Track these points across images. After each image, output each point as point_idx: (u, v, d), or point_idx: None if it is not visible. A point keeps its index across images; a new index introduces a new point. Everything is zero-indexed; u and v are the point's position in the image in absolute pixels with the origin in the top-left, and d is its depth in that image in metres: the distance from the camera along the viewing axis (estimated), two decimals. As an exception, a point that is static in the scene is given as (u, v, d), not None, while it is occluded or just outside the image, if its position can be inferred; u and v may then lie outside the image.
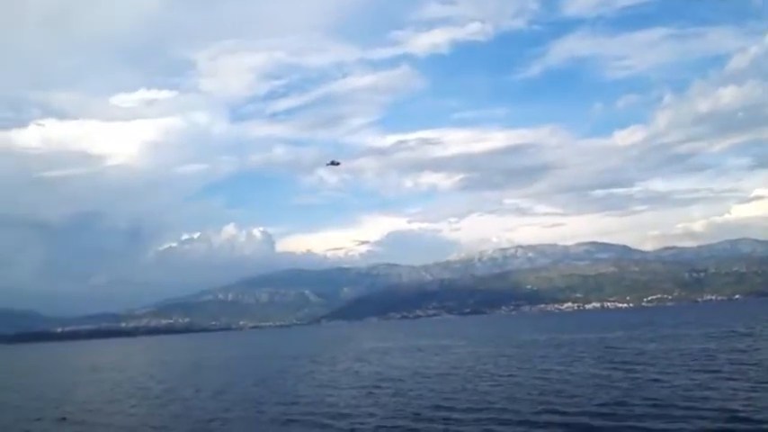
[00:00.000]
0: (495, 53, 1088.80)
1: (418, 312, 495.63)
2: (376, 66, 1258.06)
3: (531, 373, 41.34)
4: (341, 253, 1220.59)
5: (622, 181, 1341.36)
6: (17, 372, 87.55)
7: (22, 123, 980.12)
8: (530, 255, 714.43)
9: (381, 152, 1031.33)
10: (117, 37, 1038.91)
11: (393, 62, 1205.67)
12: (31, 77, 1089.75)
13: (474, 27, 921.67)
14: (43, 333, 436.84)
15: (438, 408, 29.46)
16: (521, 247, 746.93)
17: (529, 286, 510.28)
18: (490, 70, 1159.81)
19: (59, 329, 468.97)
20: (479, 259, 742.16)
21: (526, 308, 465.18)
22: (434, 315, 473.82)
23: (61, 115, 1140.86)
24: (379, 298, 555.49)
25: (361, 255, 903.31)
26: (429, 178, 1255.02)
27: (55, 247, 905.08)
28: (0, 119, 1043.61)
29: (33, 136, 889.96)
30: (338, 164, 31.95)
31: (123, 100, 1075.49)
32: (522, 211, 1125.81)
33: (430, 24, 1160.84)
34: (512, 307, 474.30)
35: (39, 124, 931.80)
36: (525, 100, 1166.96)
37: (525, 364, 47.60)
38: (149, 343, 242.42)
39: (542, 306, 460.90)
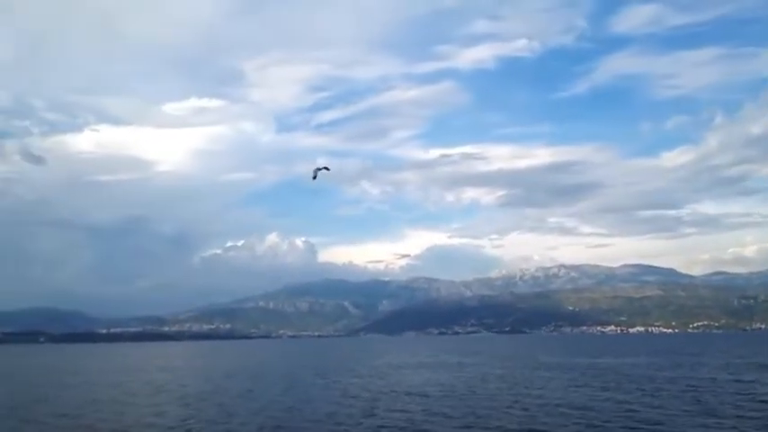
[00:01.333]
0: (541, 69, 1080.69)
1: (456, 329, 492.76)
2: (420, 80, 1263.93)
3: (507, 395, 41.77)
4: (381, 265, 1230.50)
5: (670, 203, 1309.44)
6: (59, 371, 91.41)
7: (78, 128, 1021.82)
8: (573, 275, 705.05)
9: (424, 165, 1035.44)
10: (170, 46, 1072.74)
11: (437, 76, 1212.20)
12: (87, 83, 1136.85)
13: (521, 43, 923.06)
14: (88, 334, 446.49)
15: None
16: (563, 266, 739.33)
17: (571, 307, 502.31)
18: (535, 86, 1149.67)
19: (104, 331, 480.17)
20: (521, 277, 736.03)
21: (567, 329, 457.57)
22: (473, 332, 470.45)
23: (115, 121, 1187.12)
24: (417, 312, 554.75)
25: (401, 268, 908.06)
26: (471, 193, 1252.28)
27: (103, 249, 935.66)
28: (56, 123, 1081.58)
29: (87, 140, 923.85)
30: (328, 169, 32.21)
31: (174, 108, 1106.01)
32: (565, 231, 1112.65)
33: (476, 39, 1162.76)
34: (552, 327, 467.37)
35: (93, 129, 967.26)
36: (571, 117, 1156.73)
37: (515, 386, 47.78)
38: (192, 348, 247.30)
39: (584, 328, 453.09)
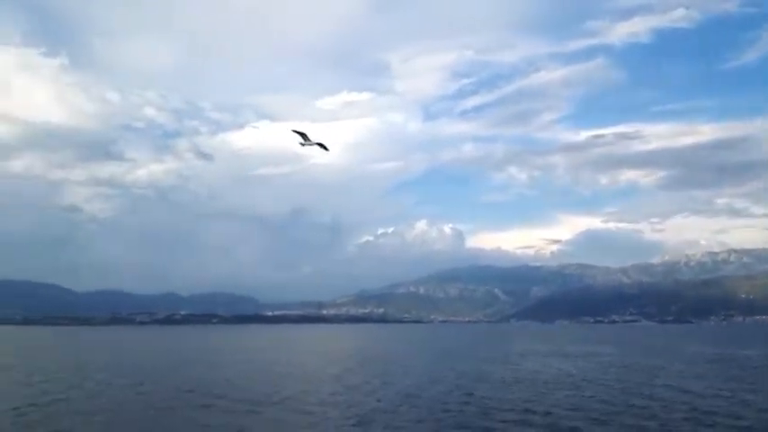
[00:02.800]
0: (701, 40, 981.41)
1: (614, 317, 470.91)
2: (568, 59, 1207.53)
3: (634, 387, 40.76)
4: (531, 251, 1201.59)
5: None
6: (232, 350, 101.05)
7: (240, 126, 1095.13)
8: (745, 260, 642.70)
9: (574, 148, 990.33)
10: (322, 43, 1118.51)
11: (587, 54, 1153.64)
12: (248, 84, 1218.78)
13: (678, 13, 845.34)
14: (257, 316, 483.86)
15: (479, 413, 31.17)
16: (735, 251, 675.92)
17: (743, 295, 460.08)
18: (696, 59, 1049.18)
19: (270, 313, 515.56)
20: (685, 263, 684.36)
21: (739, 318, 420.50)
22: (632, 321, 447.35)
23: (273, 117, 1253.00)
24: (570, 299, 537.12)
25: (552, 254, 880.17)
26: (627, 175, 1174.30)
27: (268, 238, 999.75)
28: (221, 122, 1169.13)
29: (249, 137, 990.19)
30: (307, 138, 31.86)
31: (327, 102, 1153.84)
32: (736, 212, 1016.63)
33: (629, 13, 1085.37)
34: (722, 317, 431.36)
35: (254, 126, 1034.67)
36: (737, 90, 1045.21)
37: (649, 378, 46.23)
38: (348, 330, 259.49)
39: (759, 317, 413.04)
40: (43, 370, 52.53)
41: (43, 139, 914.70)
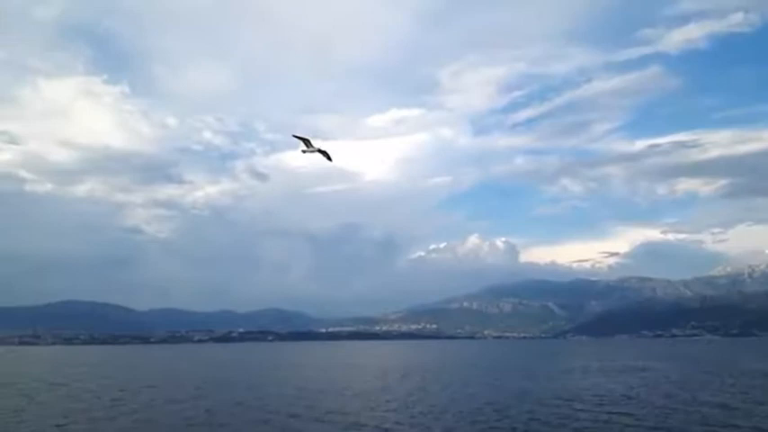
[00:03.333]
0: (762, 44, 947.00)
1: (675, 331, 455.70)
2: (622, 68, 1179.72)
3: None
4: (587, 265, 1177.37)
5: None
6: (284, 366, 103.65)
7: (294, 146, 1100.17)
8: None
9: (630, 158, 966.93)
10: (372, 62, 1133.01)
11: (642, 63, 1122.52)
12: (301, 104, 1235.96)
13: (736, 18, 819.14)
14: (310, 333, 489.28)
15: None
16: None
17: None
18: (757, 63, 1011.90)
19: (323, 330, 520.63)
20: (750, 274, 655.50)
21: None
22: (693, 335, 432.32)
23: (325, 136, 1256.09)
24: (629, 314, 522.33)
25: (609, 267, 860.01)
26: (686, 185, 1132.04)
27: (321, 255, 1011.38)
28: (275, 142, 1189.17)
29: (302, 157, 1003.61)
30: (309, 144, 31.56)
31: (377, 120, 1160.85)
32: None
33: (684, 19, 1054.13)
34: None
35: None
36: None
37: (693, 394, 46.00)
38: (400, 347, 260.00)
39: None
40: (105, 387, 55.72)
41: (105, 163, 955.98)
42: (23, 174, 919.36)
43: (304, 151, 33.13)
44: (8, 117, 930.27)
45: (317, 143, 33.43)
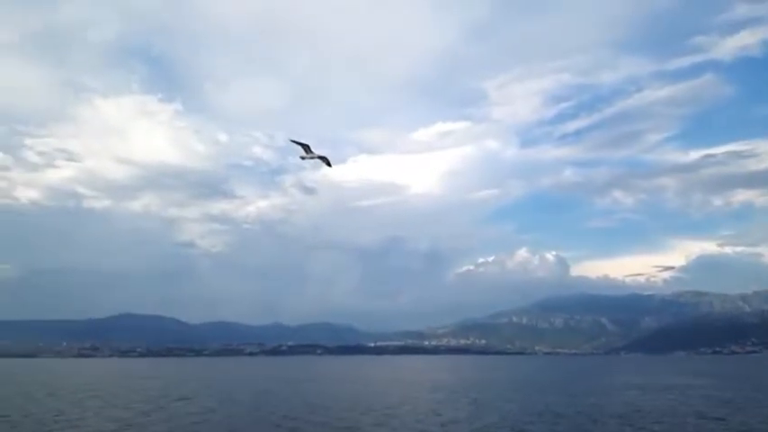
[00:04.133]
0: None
1: (733, 348, 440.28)
2: (674, 76, 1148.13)
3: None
4: (641, 279, 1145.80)
5: None
6: (333, 380, 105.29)
7: (341, 160, 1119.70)
8: None
9: (684, 169, 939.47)
10: (417, 76, 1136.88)
11: (694, 71, 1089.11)
12: (348, 119, 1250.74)
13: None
14: (358, 346, 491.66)
15: None
16: None
17: None
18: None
19: (371, 344, 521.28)
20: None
21: None
22: (753, 352, 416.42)
23: (371, 151, 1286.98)
24: (685, 330, 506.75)
25: (664, 281, 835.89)
26: (742, 196, 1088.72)
27: (368, 268, 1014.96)
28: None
29: (349, 170, 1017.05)
30: (309, 150, 30.19)
31: (423, 134, 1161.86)
32: None
33: (736, 26, 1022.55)
34: None
35: (353, 160, 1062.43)
36: None
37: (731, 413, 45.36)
38: (448, 362, 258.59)
39: None
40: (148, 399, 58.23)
41: (160, 179, 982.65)
42: (81, 190, 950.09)
43: (303, 157, 32.98)
44: (67, 135, 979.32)
45: (318, 150, 33.88)
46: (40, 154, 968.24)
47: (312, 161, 34.09)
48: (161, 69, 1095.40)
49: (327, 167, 35.36)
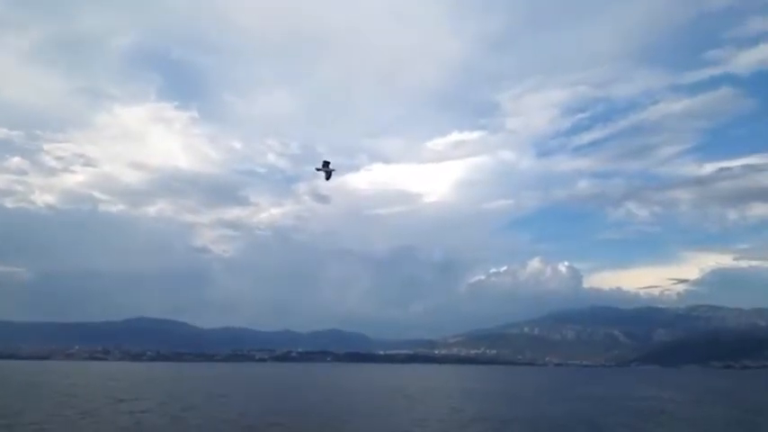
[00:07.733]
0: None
1: (746, 362, 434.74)
2: (690, 90, 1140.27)
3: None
4: (655, 292, 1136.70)
5: None
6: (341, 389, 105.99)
7: (355, 168, 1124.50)
8: None
9: (699, 182, 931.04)
10: (433, 87, 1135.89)
11: (710, 84, 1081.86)
12: (363, 128, 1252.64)
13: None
14: (368, 354, 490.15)
15: None
16: None
17: None
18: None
19: (381, 352, 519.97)
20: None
21: None
22: (765, 366, 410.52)
23: (385, 160, 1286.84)
24: (697, 343, 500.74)
25: (678, 294, 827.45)
26: (758, 209, 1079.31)
27: (380, 276, 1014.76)
28: (337, 165, 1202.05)
29: (363, 179, 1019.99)
30: (330, 168, 31.82)
31: (437, 143, 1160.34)
32: None
33: (753, 40, 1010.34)
34: None
35: (367, 169, 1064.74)
36: None
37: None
38: (458, 371, 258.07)
39: None
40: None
41: (174, 185, 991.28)
42: (97, 194, 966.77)
43: (318, 169, 35.19)
44: (85, 140, 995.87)
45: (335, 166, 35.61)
46: (58, 159, 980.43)
47: (323, 173, 36.42)
48: (178, 78, 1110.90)
49: (327, 179, 37.17)
